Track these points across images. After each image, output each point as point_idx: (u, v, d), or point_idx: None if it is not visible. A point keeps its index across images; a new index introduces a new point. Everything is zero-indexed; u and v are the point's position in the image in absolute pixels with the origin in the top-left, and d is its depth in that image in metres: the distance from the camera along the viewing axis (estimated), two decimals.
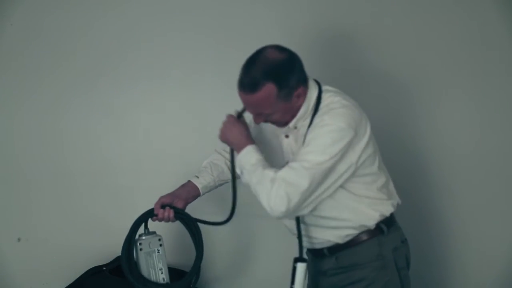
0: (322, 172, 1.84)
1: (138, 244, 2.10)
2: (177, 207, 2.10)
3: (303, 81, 1.92)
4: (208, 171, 2.21)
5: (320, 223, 2.00)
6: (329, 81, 2.05)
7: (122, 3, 2.68)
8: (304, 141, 1.92)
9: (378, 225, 1.98)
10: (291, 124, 1.96)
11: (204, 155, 2.66)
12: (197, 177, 2.18)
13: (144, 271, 2.09)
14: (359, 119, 1.91)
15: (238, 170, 1.99)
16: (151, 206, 2.12)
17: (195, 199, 2.17)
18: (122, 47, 2.69)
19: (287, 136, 2.01)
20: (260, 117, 1.95)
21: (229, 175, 2.20)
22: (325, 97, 1.94)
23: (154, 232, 2.14)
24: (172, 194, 2.12)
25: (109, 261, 2.68)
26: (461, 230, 2.80)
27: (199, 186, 2.16)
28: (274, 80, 1.84)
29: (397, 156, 2.58)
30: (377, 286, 1.96)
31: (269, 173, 1.87)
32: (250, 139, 1.98)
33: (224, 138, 2.04)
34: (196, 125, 2.74)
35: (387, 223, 1.99)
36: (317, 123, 1.88)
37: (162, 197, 2.11)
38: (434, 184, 2.80)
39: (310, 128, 1.90)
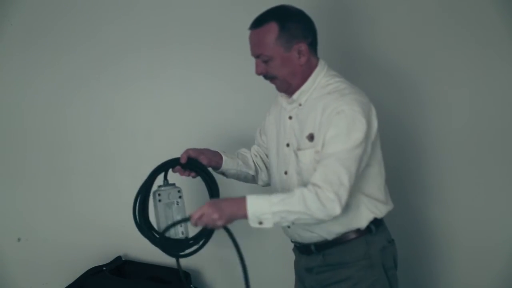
0: (354, 161, 1.83)
1: (157, 194, 2.00)
2: (202, 163, 2.05)
3: (310, 43, 1.95)
4: (234, 154, 2.21)
5: None
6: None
7: (122, 4, 2.69)
8: (309, 127, 1.92)
9: (367, 225, 1.98)
10: (295, 96, 1.98)
11: None
12: (224, 152, 2.17)
13: (162, 223, 1.98)
14: (369, 105, 1.92)
15: (254, 224, 1.83)
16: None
17: (214, 165, 2.11)
18: (123, 47, 2.69)
19: (290, 118, 2.02)
20: (260, 62, 1.96)
21: (251, 166, 2.21)
22: (333, 81, 1.96)
23: (173, 184, 2.04)
24: (198, 149, 2.08)
25: (109, 261, 2.68)
26: (451, 232, 2.81)
27: (224, 158, 2.13)
28: (279, 21, 1.91)
29: (387, 155, 2.59)
30: (364, 285, 1.95)
31: (302, 190, 1.81)
32: (239, 197, 1.84)
33: (222, 219, 1.83)
34: (196, 124, 2.74)
35: (376, 223, 1.99)
36: (332, 110, 1.87)
37: (189, 149, 2.06)
38: (426, 185, 2.81)
39: (325, 116, 1.88)
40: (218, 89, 2.73)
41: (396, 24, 2.73)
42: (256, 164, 2.24)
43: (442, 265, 2.83)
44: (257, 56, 1.96)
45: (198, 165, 2.05)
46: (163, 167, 2.03)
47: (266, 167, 2.24)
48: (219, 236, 2.75)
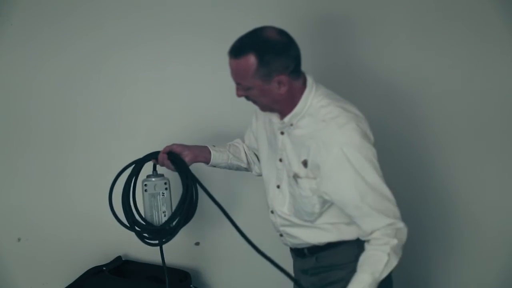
0: (381, 189, 1.85)
1: (143, 184, 2.10)
2: (183, 159, 2.09)
3: (292, 72, 1.86)
4: (225, 146, 2.23)
5: (306, 225, 2.00)
6: (322, 78, 2.04)
7: (122, 4, 2.68)
8: (304, 153, 1.90)
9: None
10: (286, 119, 1.94)
11: None
12: (214, 146, 2.20)
13: (147, 212, 2.11)
14: (365, 126, 1.90)
15: None
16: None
17: (203, 161, 2.16)
18: (123, 47, 2.69)
19: (282, 133, 2.00)
20: (239, 88, 1.92)
21: (243, 159, 2.24)
22: (325, 102, 1.91)
23: (162, 175, 2.13)
24: (184, 145, 2.13)
25: (109, 261, 2.68)
26: (448, 233, 2.81)
27: (212, 152, 2.17)
28: (257, 54, 1.81)
29: (388, 154, 2.59)
30: None
31: (384, 255, 1.83)
32: None
33: None
34: (196, 125, 2.74)
35: None
36: (333, 146, 1.83)
37: (175, 144, 2.12)
38: (423, 185, 2.81)
39: (326, 152, 1.84)
40: (218, 89, 2.73)
41: (392, 31, 2.72)
42: (249, 157, 2.26)
43: (439, 267, 2.84)
44: (236, 83, 1.92)
45: (176, 160, 2.09)
46: (145, 159, 2.12)
47: (259, 161, 2.24)
48: (219, 236, 2.77)
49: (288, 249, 2.19)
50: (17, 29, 2.65)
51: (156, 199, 2.11)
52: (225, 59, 2.70)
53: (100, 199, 2.73)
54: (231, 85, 2.74)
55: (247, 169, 2.28)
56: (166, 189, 2.12)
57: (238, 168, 2.26)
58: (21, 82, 2.68)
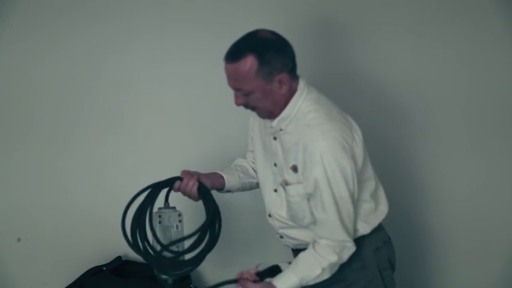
0: (349, 203, 1.86)
1: (158, 216, 1.99)
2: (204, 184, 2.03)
3: (290, 70, 1.87)
4: (232, 167, 2.20)
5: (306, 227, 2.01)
6: (321, 83, 2.05)
7: (121, 2, 2.68)
8: (291, 157, 1.91)
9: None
10: (274, 123, 1.93)
11: (204, 155, 2.67)
12: (222, 170, 2.16)
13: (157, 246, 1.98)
14: (351, 137, 1.88)
15: None
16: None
17: (218, 187, 2.12)
18: (122, 45, 2.69)
19: (275, 138, 1.99)
20: (239, 95, 1.89)
21: (253, 175, 2.20)
22: (313, 108, 1.90)
23: (174, 207, 2.04)
24: (199, 172, 2.07)
25: (109, 261, 2.68)
26: (448, 232, 2.83)
27: (225, 176, 2.13)
28: (257, 53, 1.80)
29: (388, 159, 2.59)
30: (357, 286, 1.97)
31: (320, 263, 1.88)
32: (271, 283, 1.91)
33: None
34: (196, 125, 2.75)
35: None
36: (313, 150, 1.84)
37: (189, 170, 2.05)
38: (421, 185, 2.82)
39: (307, 156, 1.85)
40: (218, 89, 2.72)
41: (389, 33, 2.73)
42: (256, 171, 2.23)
43: (439, 266, 2.84)
44: (236, 90, 1.89)
45: (204, 190, 2.03)
46: (166, 184, 2.01)
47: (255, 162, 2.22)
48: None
49: (290, 250, 2.18)
50: (16, 28, 2.65)
51: (170, 232, 2.01)
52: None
53: (100, 199, 2.75)
54: None
55: (258, 184, 2.21)
56: (180, 221, 2.02)
57: (251, 186, 2.22)
58: (20, 81, 2.68)
